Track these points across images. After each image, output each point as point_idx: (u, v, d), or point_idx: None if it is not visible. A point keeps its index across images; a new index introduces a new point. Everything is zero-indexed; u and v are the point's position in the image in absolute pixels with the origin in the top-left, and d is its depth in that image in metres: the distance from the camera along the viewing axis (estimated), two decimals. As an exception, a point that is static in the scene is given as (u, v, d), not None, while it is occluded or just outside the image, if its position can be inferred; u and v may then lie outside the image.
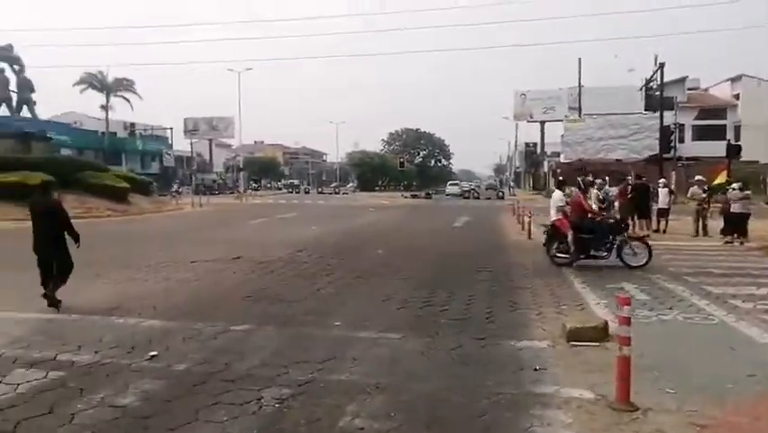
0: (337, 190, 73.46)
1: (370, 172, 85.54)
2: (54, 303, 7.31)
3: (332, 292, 8.85)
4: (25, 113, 32.63)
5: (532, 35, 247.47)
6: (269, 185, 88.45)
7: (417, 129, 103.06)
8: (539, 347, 5.89)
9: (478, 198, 54.59)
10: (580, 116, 51.29)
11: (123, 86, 61.55)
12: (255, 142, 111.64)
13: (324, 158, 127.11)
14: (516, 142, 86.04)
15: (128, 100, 61.99)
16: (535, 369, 5.19)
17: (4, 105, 31.78)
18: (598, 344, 5.87)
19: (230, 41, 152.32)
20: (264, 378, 4.90)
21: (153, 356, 5.44)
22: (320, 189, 75.97)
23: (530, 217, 18.16)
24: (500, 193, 58.38)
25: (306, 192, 74.51)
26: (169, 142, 63.19)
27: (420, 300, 8.19)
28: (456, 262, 12.24)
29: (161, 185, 51.13)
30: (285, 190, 79.22)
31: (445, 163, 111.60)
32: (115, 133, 63.91)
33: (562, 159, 55.35)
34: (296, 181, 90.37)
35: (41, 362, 5.28)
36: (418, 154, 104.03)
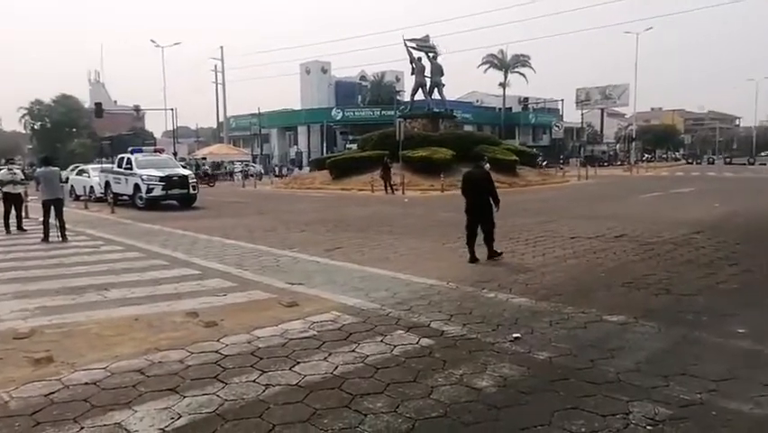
0: (752, 160, 62.11)
1: (800, 138, 69.61)
2: (493, 255, 9.02)
3: (735, 288, 7.19)
4: (436, 95, 36.93)
5: None
6: (664, 155, 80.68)
7: None
8: None
9: None
10: None
11: (520, 62, 64.40)
12: (652, 108, 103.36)
13: (737, 122, 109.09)
14: None
15: (524, 75, 64.67)
16: None
17: (420, 89, 36.61)
18: None
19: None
20: (636, 387, 4.13)
21: (516, 338, 5.21)
22: (728, 160, 65.40)
23: None
24: None
25: (711, 162, 65.15)
26: (560, 113, 63.56)
27: None
28: None
29: (551, 157, 51.89)
30: (684, 161, 71.06)
31: None
32: (510, 109, 67.44)
33: None
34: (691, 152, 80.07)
35: (417, 327, 5.62)
36: None
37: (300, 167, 48.58)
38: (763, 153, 72.21)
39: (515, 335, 5.30)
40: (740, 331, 5.41)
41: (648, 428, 3.56)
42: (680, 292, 6.93)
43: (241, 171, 41.79)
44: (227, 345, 5.10)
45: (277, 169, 48.59)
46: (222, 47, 55.82)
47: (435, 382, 4.29)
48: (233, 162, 48.17)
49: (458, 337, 5.30)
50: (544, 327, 5.61)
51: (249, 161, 50.82)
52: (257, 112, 57.63)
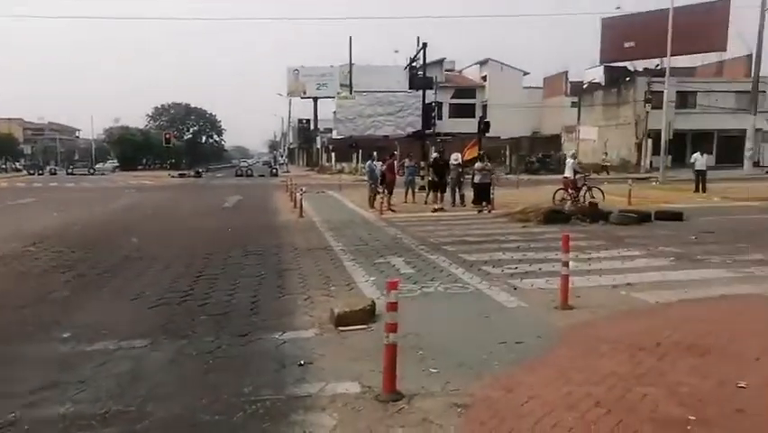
0: (92, 170, 65.60)
1: (131, 150, 77.79)
2: None
3: (66, 295, 7.39)
4: None
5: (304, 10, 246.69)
6: (3, 166, 75.43)
7: (187, 104, 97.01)
8: (305, 338, 5.47)
9: (251, 175, 53.36)
10: (351, 94, 52.90)
11: None
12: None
13: (77, 134, 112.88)
14: (289, 118, 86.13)
15: None
16: (300, 364, 4.75)
17: None
18: (365, 327, 5.66)
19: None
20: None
21: None
22: (70, 170, 66.72)
23: (302, 194, 17.85)
24: (274, 170, 57.86)
25: (53, 173, 64.82)
26: None
27: (178, 295, 7.24)
28: (223, 245, 11.34)
29: None
30: (26, 172, 68.27)
31: (218, 140, 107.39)
32: None
33: (334, 135, 56.70)
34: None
35: None
36: (188, 130, 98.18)
37: None
38: (106, 164, 77.25)
39: None
40: (65, 336, 5.59)
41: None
42: (12, 306, 6.60)
43: None
44: None
45: None
46: None
47: None
48: None
49: None
50: None
51: None
52: None
